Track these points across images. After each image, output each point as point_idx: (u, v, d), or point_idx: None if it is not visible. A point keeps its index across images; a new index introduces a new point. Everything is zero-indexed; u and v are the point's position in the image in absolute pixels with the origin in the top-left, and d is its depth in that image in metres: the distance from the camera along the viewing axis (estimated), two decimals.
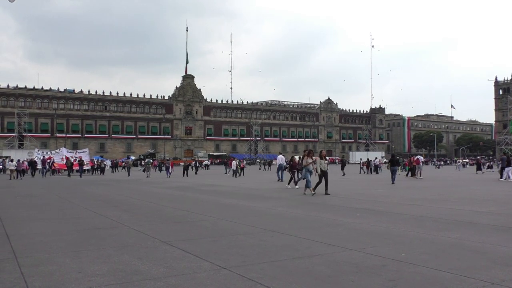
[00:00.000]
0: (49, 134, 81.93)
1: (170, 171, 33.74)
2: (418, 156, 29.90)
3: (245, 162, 34.35)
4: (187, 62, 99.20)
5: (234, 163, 32.28)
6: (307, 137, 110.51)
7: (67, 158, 37.37)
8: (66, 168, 36.44)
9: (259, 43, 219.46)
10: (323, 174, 14.38)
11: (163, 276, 4.41)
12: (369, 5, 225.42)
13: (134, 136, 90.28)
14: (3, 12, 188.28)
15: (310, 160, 14.97)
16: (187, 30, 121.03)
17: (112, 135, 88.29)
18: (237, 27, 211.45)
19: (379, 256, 5.26)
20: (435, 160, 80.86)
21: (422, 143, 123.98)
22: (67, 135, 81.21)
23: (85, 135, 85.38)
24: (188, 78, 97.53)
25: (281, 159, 25.00)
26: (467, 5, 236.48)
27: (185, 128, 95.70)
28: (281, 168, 24.03)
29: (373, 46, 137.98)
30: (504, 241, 6.31)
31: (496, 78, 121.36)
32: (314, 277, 4.38)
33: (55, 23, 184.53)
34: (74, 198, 14.09)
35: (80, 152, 40.79)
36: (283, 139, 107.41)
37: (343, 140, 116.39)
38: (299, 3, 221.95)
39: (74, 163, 36.49)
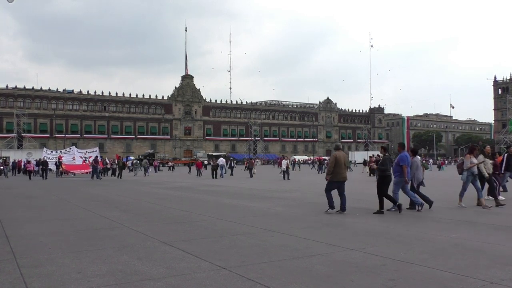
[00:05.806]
0: (48, 135, 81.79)
1: (149, 171, 35.71)
2: None
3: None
4: (186, 62, 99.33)
5: (284, 162, 27.35)
6: (307, 137, 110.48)
7: (118, 157, 36.66)
8: (72, 170, 35.60)
9: (259, 43, 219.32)
10: (486, 178, 11.45)
11: (162, 277, 4.41)
12: (368, 5, 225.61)
13: (133, 136, 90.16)
14: (3, 13, 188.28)
15: (475, 160, 10.85)
16: (186, 30, 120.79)
17: (111, 136, 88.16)
18: (237, 27, 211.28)
19: (378, 255, 5.26)
20: (433, 159, 76.73)
21: (421, 142, 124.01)
22: (66, 135, 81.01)
23: (84, 135, 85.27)
24: (187, 78, 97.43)
25: (221, 161, 32.20)
26: (466, 4, 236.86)
27: (184, 128, 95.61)
28: (222, 168, 30.75)
29: (372, 46, 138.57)
30: (503, 240, 6.32)
31: (495, 77, 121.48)
32: (314, 277, 4.38)
33: (55, 23, 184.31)
34: (73, 199, 14.08)
35: (90, 152, 37.95)
36: (283, 139, 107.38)
37: (342, 140, 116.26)
38: (299, 3, 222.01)
39: (84, 163, 35.34)
